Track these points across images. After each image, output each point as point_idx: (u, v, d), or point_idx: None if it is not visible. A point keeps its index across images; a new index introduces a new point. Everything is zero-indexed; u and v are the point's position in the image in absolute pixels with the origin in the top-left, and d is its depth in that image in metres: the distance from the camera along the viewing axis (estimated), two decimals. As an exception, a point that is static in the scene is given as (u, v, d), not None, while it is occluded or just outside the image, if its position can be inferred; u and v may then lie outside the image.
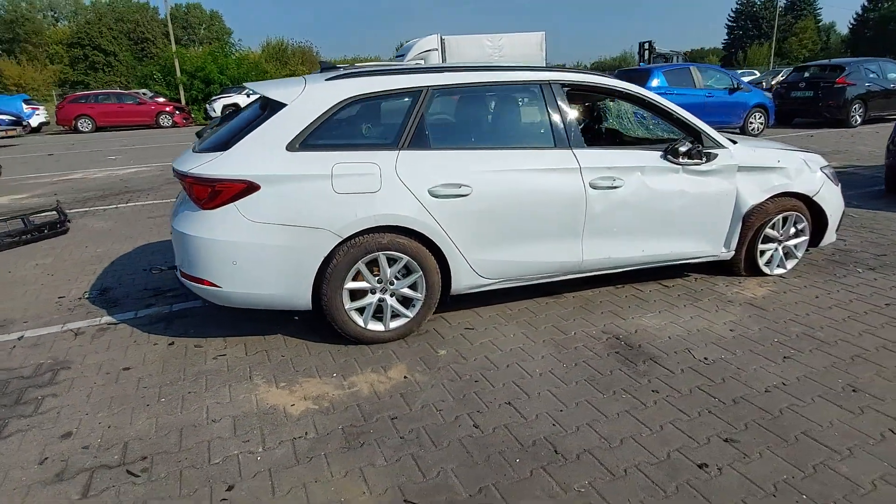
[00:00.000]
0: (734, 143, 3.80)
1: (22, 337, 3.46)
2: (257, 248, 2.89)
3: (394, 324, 3.20)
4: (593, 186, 3.33)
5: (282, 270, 2.94)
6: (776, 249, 4.00)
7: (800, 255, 4.08)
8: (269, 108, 3.04)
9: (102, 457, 2.31)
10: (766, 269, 4.01)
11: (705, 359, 2.93)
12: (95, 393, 2.80)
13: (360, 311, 3.14)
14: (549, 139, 3.33)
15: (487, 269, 3.29)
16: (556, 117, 3.34)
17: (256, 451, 2.31)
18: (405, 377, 2.86)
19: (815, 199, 3.90)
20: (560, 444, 2.30)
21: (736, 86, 11.24)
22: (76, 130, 21.20)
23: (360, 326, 3.13)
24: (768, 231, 3.88)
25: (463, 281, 3.27)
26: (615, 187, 3.38)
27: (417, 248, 3.10)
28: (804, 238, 4.03)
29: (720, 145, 3.65)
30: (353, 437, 2.39)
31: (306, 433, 2.42)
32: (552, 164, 3.27)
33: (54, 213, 5.97)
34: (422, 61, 20.01)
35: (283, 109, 2.97)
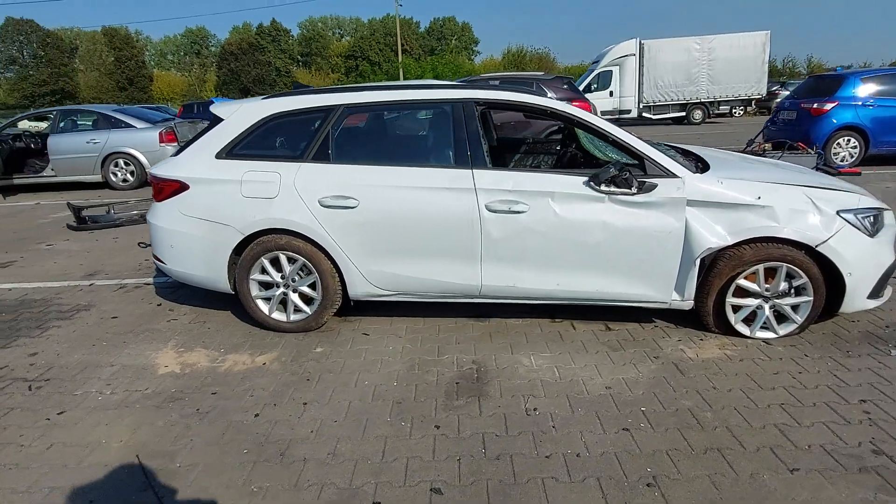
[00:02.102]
0: (698, 170, 3.20)
1: (92, 284, 4.74)
2: (186, 236, 3.54)
3: (294, 317, 3.57)
4: (490, 209, 3.19)
5: (204, 257, 3.54)
6: (760, 307, 3.23)
7: (799, 319, 3.20)
8: (213, 122, 3.65)
9: (30, 373, 3.20)
10: (741, 329, 3.27)
11: (534, 409, 2.65)
12: (80, 330, 3.79)
13: (269, 300, 3.58)
14: (449, 158, 3.30)
15: (380, 280, 3.42)
16: (461, 136, 3.28)
17: (104, 392, 2.95)
18: (264, 364, 3.21)
19: (819, 250, 3.04)
20: (273, 444, 2.43)
21: (982, 95, 8.38)
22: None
23: (265, 314, 3.58)
24: (744, 283, 3.17)
25: (357, 288, 3.46)
26: (517, 212, 3.18)
27: (312, 252, 3.40)
28: (806, 299, 3.16)
29: (668, 174, 3.12)
30: (170, 400, 2.86)
31: (147, 388, 2.98)
32: (444, 184, 3.23)
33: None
34: (616, 68, 19.20)
35: (220, 124, 3.56)
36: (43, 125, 12.34)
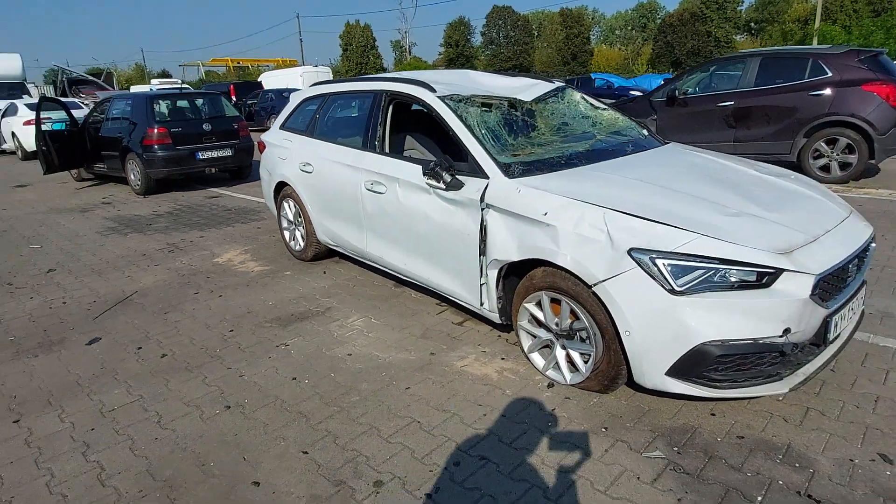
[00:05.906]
0: (523, 171, 2.86)
1: (290, 207, 7.04)
2: (264, 179, 5.22)
3: (297, 248, 4.85)
4: (366, 187, 3.68)
5: (268, 192, 5.17)
6: (552, 342, 2.73)
7: (584, 370, 2.57)
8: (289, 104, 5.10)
9: (182, 245, 5.54)
10: (535, 360, 2.87)
11: (285, 345, 3.27)
12: (235, 231, 6.02)
13: (289, 231, 4.97)
14: (361, 141, 3.86)
15: (323, 231, 4.34)
16: (368, 123, 3.79)
17: (182, 261, 4.98)
18: (252, 271, 4.66)
19: (595, 290, 2.41)
20: (169, 307, 3.84)
21: None
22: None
23: (287, 242, 5.00)
24: (531, 308, 2.77)
25: (319, 235, 4.47)
26: (378, 192, 3.57)
27: (300, 202, 4.59)
28: (588, 350, 2.53)
29: (480, 173, 2.94)
30: (191, 273, 4.65)
31: (194, 265, 4.86)
32: (349, 161, 3.86)
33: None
34: None
35: (288, 103, 5.01)
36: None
